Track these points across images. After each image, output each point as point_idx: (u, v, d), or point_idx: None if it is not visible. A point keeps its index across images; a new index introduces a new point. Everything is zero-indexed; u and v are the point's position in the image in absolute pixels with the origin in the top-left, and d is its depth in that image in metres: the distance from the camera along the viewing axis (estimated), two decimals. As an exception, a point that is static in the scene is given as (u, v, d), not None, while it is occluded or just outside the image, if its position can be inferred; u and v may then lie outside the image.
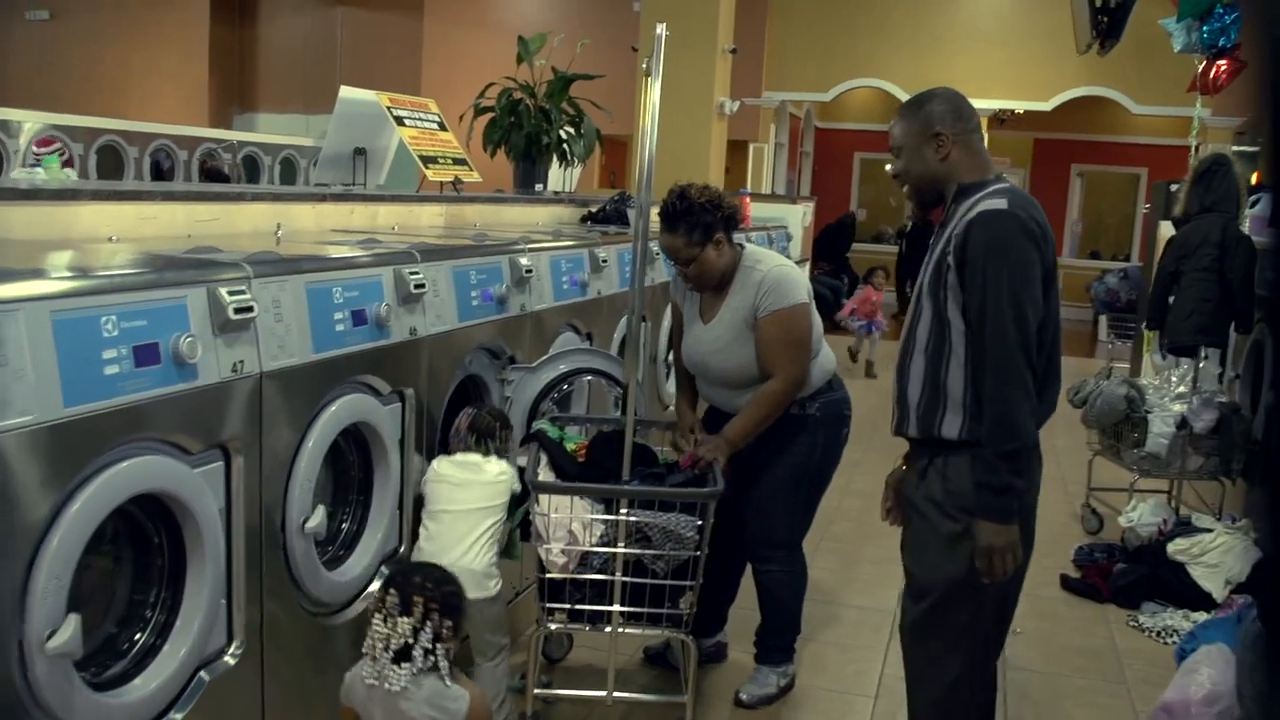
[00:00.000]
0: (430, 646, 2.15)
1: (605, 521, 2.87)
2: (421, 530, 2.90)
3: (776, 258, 3.31)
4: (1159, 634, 4.19)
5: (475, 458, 2.94)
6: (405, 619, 2.14)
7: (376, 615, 2.17)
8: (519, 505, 3.10)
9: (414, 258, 2.93)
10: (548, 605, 2.91)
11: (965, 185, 2.52)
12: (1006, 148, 15.28)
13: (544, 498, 2.84)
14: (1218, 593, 4.35)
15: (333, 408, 2.56)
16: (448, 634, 2.17)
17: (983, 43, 12.02)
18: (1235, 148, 12.38)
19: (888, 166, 2.75)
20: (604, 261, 4.24)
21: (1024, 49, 11.84)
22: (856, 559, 4.89)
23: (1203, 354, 4.99)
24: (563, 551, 2.86)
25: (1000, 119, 12.46)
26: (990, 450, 2.44)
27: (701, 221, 3.15)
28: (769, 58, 12.09)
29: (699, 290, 3.29)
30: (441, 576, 2.26)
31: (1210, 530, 4.55)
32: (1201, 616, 4.25)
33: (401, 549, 2.95)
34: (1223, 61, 7.74)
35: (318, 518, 2.49)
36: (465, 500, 2.87)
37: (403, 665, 2.13)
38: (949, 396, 2.53)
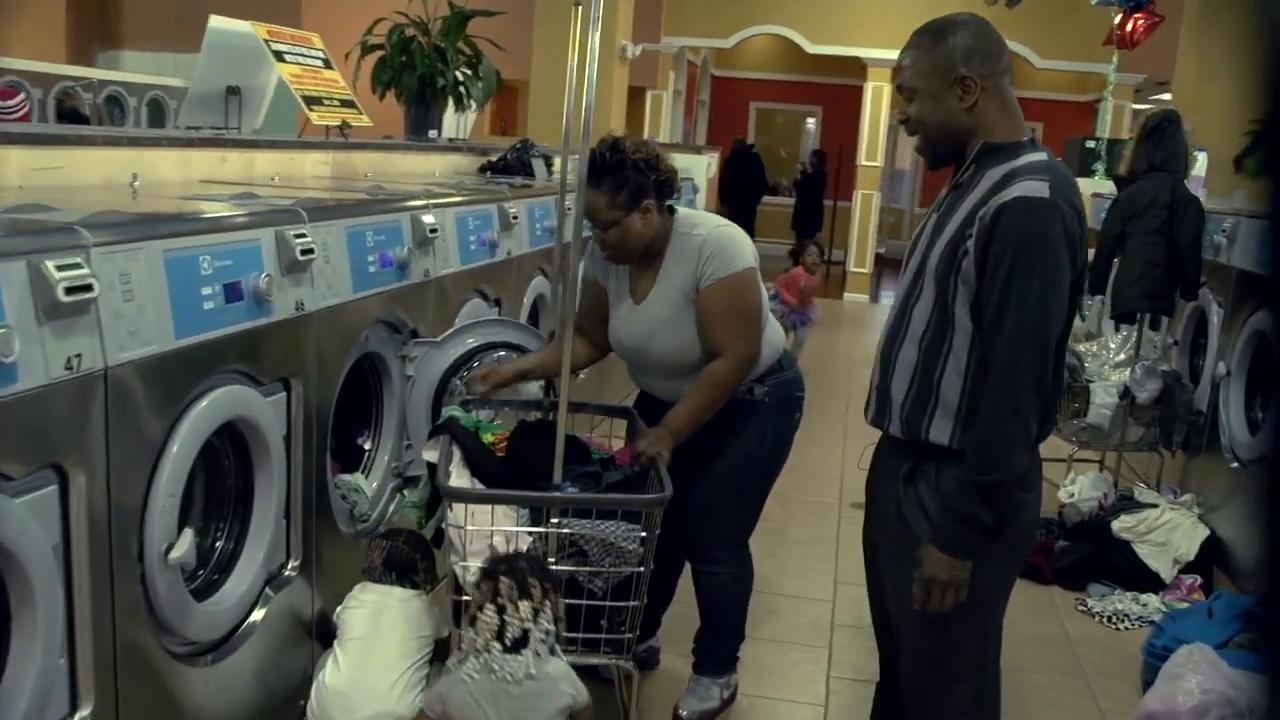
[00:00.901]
0: (552, 627, 2.14)
1: (533, 533, 2.44)
2: (329, 662, 2.45)
3: (715, 219, 2.88)
4: (1110, 619, 3.95)
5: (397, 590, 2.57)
6: (525, 602, 2.12)
7: (489, 606, 2.11)
8: (433, 512, 2.67)
9: (300, 217, 2.43)
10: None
11: (994, 145, 2.14)
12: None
13: (459, 507, 2.39)
14: (1165, 572, 4.14)
15: (201, 405, 2.06)
16: (562, 613, 2.19)
17: (886, -11, 11.72)
18: (1134, 105, 12.41)
19: (898, 113, 2.34)
20: (515, 218, 3.76)
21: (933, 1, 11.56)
22: (785, 540, 4.55)
23: (1146, 320, 4.76)
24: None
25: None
26: (969, 476, 2.09)
27: (632, 181, 2.68)
28: (669, 1, 11.58)
29: (616, 261, 2.84)
30: (536, 557, 2.30)
31: (1155, 506, 4.33)
32: (1152, 599, 4.04)
33: (289, 565, 2.48)
34: (1139, 15, 7.55)
35: (184, 545, 2.00)
36: (385, 630, 2.47)
37: (522, 652, 2.11)
38: (941, 399, 2.17)
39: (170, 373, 1.97)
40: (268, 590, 2.39)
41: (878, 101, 11.97)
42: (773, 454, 2.99)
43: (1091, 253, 4.85)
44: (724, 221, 2.86)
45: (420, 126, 5.47)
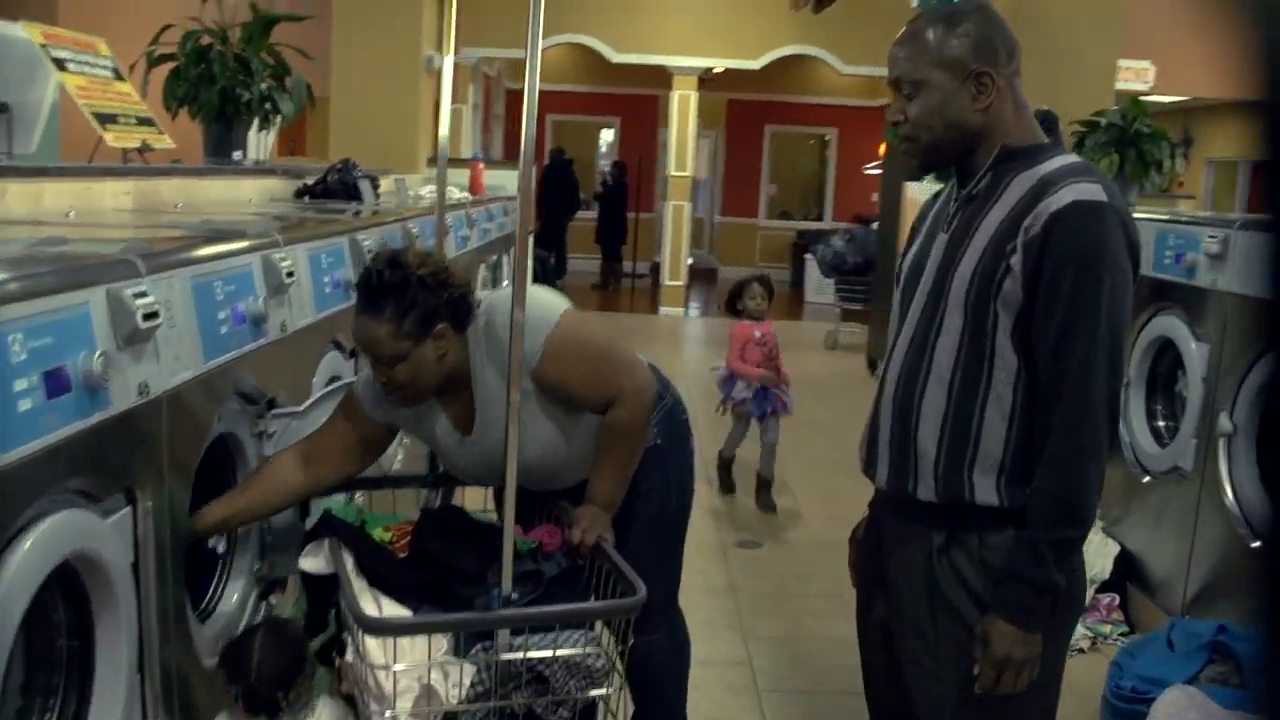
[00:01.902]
0: None
1: (480, 662, 1.90)
2: None
3: (500, 293, 2.34)
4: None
5: None
6: None
7: None
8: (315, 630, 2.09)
9: (135, 269, 1.81)
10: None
11: (1014, 149, 1.83)
12: (703, 109, 15.05)
13: (380, 644, 1.82)
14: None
15: (25, 547, 1.44)
16: None
17: (689, -1, 11.52)
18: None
19: (888, 113, 1.93)
20: (369, 252, 3.18)
21: (737, 5, 11.42)
22: (688, 588, 4.11)
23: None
24: (414, 716, 1.86)
25: (702, 79, 12.02)
26: (1041, 535, 1.75)
27: (420, 303, 2.11)
28: (465, 10, 11.00)
29: (406, 404, 2.26)
30: None
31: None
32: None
33: (145, 733, 1.85)
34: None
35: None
36: None
37: None
38: (981, 450, 1.82)
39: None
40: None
41: (684, 110, 11.75)
42: (681, 499, 2.58)
43: None
44: (499, 294, 2.31)
45: (222, 147, 4.76)
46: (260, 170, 4.63)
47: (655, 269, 14.08)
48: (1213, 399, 3.49)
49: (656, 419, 2.43)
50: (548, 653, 1.89)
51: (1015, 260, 1.75)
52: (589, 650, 1.92)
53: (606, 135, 16.86)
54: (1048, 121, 4.35)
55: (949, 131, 1.84)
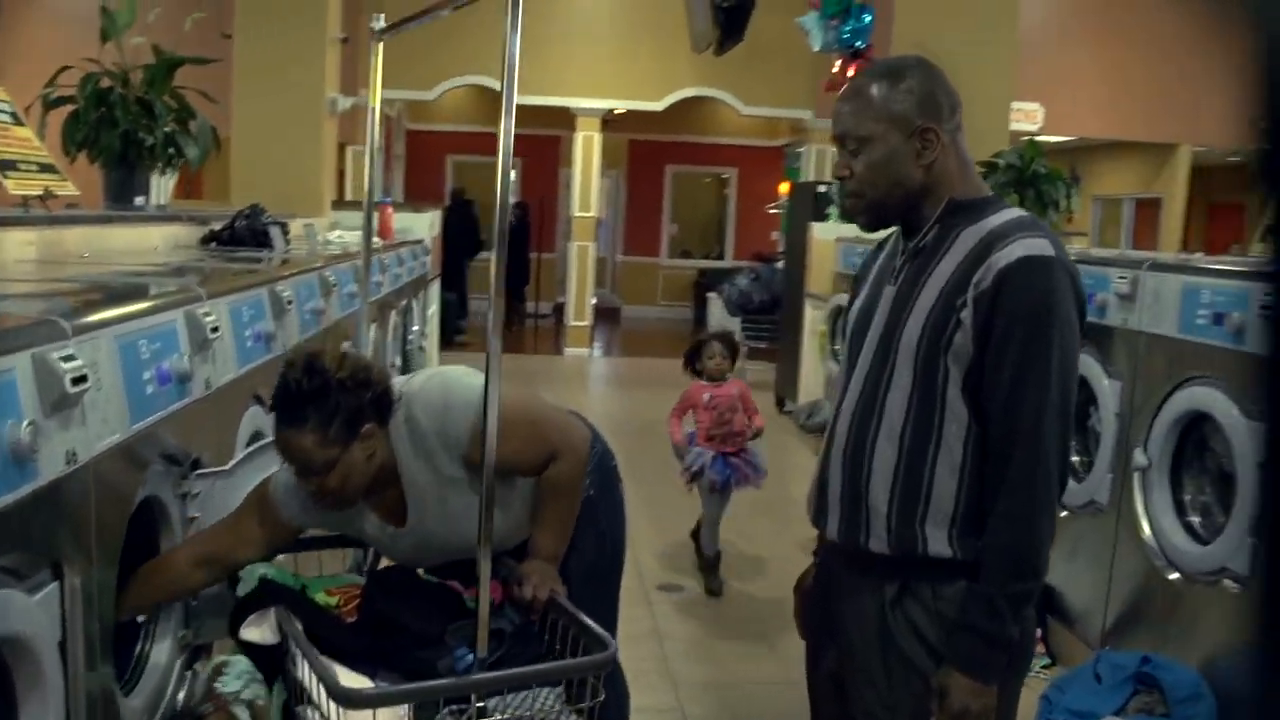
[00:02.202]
0: None
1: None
2: None
3: (415, 381, 2.25)
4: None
5: None
6: None
7: None
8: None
9: (62, 330, 1.72)
10: None
11: (960, 203, 1.84)
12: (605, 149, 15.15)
13: (355, 716, 1.75)
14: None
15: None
16: None
17: (596, 40, 11.57)
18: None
19: (832, 166, 1.93)
20: (289, 303, 3.09)
21: (639, 47, 11.53)
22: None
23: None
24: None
25: (605, 120, 12.09)
26: (996, 589, 1.75)
27: (343, 407, 2.05)
28: (363, 51, 10.90)
29: (340, 509, 2.20)
30: None
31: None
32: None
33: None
34: (859, 62, 7.69)
35: None
36: None
37: None
38: (933, 503, 1.82)
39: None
40: None
41: (588, 151, 11.80)
42: (615, 547, 2.56)
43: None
44: (415, 384, 2.22)
45: (123, 193, 4.60)
46: (165, 217, 4.49)
47: (559, 309, 14.05)
48: (1126, 434, 3.58)
49: (589, 468, 2.40)
50: (521, 714, 1.84)
51: (965, 315, 1.76)
52: (561, 708, 1.88)
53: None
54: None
55: (894, 188, 1.85)
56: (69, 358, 1.67)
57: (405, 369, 5.85)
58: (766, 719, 3.44)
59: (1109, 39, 11.74)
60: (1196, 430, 3.35)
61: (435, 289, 8.48)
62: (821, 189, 8.04)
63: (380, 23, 2.55)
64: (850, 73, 7.66)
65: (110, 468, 1.84)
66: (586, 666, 1.95)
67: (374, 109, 2.68)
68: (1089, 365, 3.85)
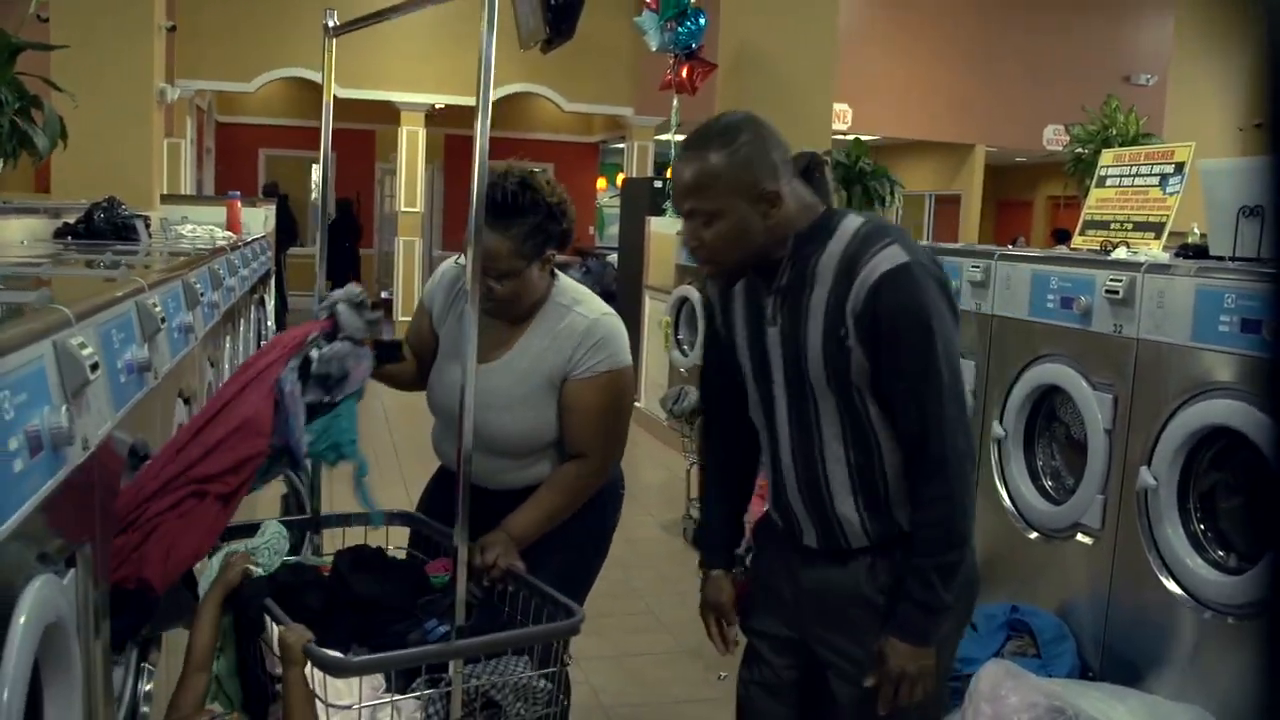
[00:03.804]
0: None
1: (425, 697, 1.92)
2: None
3: (598, 301, 2.49)
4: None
5: None
6: None
7: None
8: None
9: (67, 318, 1.73)
10: None
11: (803, 234, 1.96)
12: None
13: (342, 683, 1.82)
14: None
15: (21, 623, 1.37)
16: None
17: (416, 35, 11.49)
18: (660, 137, 13.17)
19: (678, 232, 2.08)
20: (202, 295, 3.07)
21: (460, 43, 11.51)
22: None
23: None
24: (374, 755, 1.87)
25: (429, 114, 12.05)
26: (926, 561, 1.94)
27: (543, 228, 2.32)
28: (180, 40, 10.50)
29: (497, 315, 2.39)
30: None
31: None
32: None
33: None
34: (693, 63, 7.96)
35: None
36: None
37: None
38: (893, 495, 2.01)
39: (-6, 580, 1.29)
40: None
41: (413, 146, 11.73)
42: (594, 561, 2.65)
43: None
44: (607, 308, 2.48)
45: (-36, 185, 4.41)
46: (21, 209, 4.31)
47: (386, 304, 13.88)
48: (982, 409, 3.92)
49: (602, 492, 2.52)
50: (497, 679, 1.94)
51: (852, 341, 1.90)
52: (535, 674, 1.99)
53: (318, 170, 16.47)
54: (816, 162, 4.73)
55: (746, 251, 1.96)
56: (82, 344, 1.69)
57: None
58: (668, 684, 3.62)
59: (912, 45, 12.47)
60: (1047, 402, 3.71)
61: (272, 285, 8.29)
62: (657, 184, 8.27)
63: (333, 20, 2.58)
64: (684, 73, 7.93)
65: (104, 455, 1.85)
66: (560, 630, 2.07)
67: (328, 104, 2.71)
68: (943, 347, 4.19)
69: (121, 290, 2.19)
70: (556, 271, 2.44)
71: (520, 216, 2.28)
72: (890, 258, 1.87)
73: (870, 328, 1.88)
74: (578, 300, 2.43)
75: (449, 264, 2.57)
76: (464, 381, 1.94)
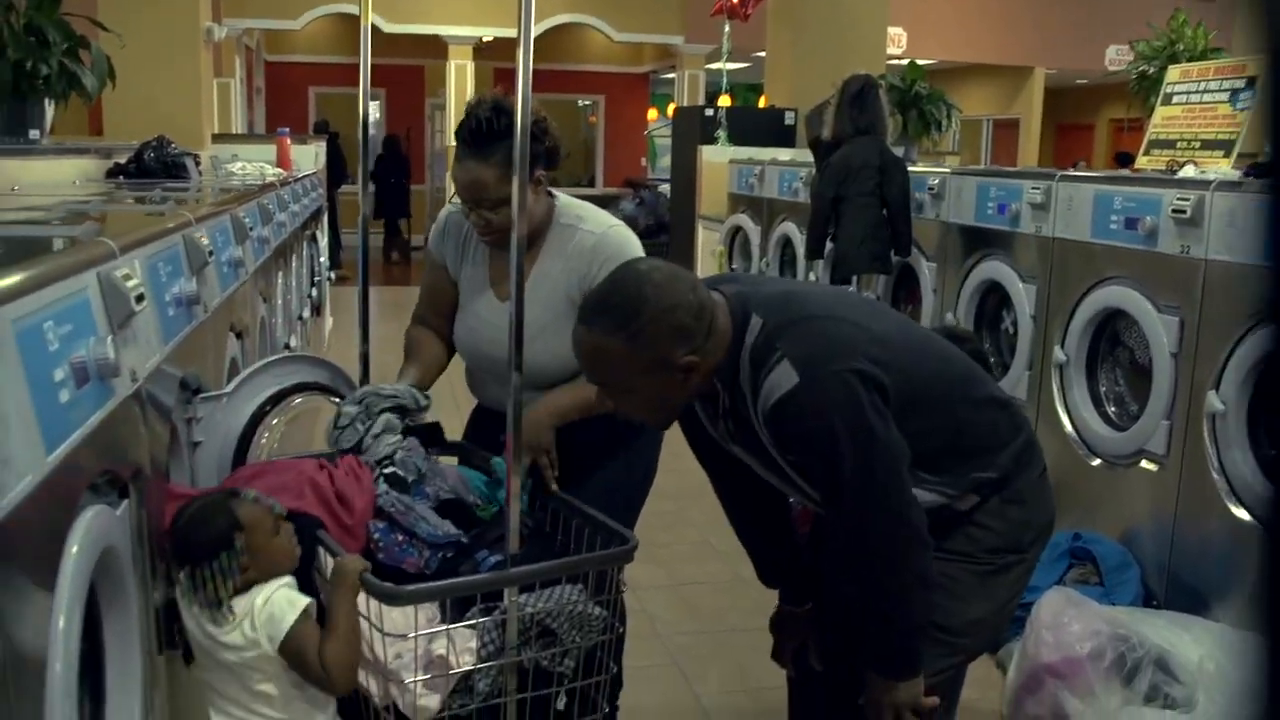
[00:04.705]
0: None
1: (482, 625, 1.92)
2: None
3: (603, 214, 2.44)
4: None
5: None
6: None
7: None
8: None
9: (112, 250, 1.72)
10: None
11: (724, 369, 1.84)
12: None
13: (394, 614, 1.82)
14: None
15: (74, 552, 1.37)
16: None
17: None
18: (710, 66, 12.97)
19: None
20: (251, 230, 3.07)
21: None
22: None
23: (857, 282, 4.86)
24: (429, 686, 1.87)
25: (477, 48, 11.93)
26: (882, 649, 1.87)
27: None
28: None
29: (501, 246, 2.34)
30: None
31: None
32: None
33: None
34: (744, -14, 7.79)
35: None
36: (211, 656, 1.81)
37: None
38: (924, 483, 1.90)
39: (42, 513, 1.28)
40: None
41: (462, 80, 11.66)
42: (645, 473, 2.62)
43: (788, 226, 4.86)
44: (614, 219, 2.44)
45: (16, 126, 4.42)
46: (72, 150, 4.33)
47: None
48: (1043, 334, 3.84)
49: None
50: (552, 606, 1.93)
51: (789, 458, 1.83)
52: (589, 601, 1.98)
53: (372, 107, 16.42)
54: (869, 86, 4.61)
55: (674, 409, 1.89)
56: (127, 276, 1.67)
57: (318, 301, 5.79)
58: (723, 613, 3.62)
59: (969, -37, 12.10)
60: (1110, 326, 3.61)
61: (325, 222, 8.32)
62: (709, 112, 8.15)
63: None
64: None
65: (154, 386, 1.85)
66: (614, 557, 2.05)
67: (365, 29, 2.67)
68: (1002, 271, 4.09)
69: (169, 224, 2.18)
70: (553, 192, 2.39)
71: (499, 141, 2.19)
72: (780, 383, 1.73)
73: (779, 443, 1.81)
74: (582, 217, 2.37)
75: (449, 209, 2.52)
76: (513, 307, 1.90)
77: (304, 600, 1.77)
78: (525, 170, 1.90)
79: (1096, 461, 3.57)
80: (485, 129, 2.21)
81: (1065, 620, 2.91)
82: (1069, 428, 3.69)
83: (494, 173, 2.21)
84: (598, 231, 2.34)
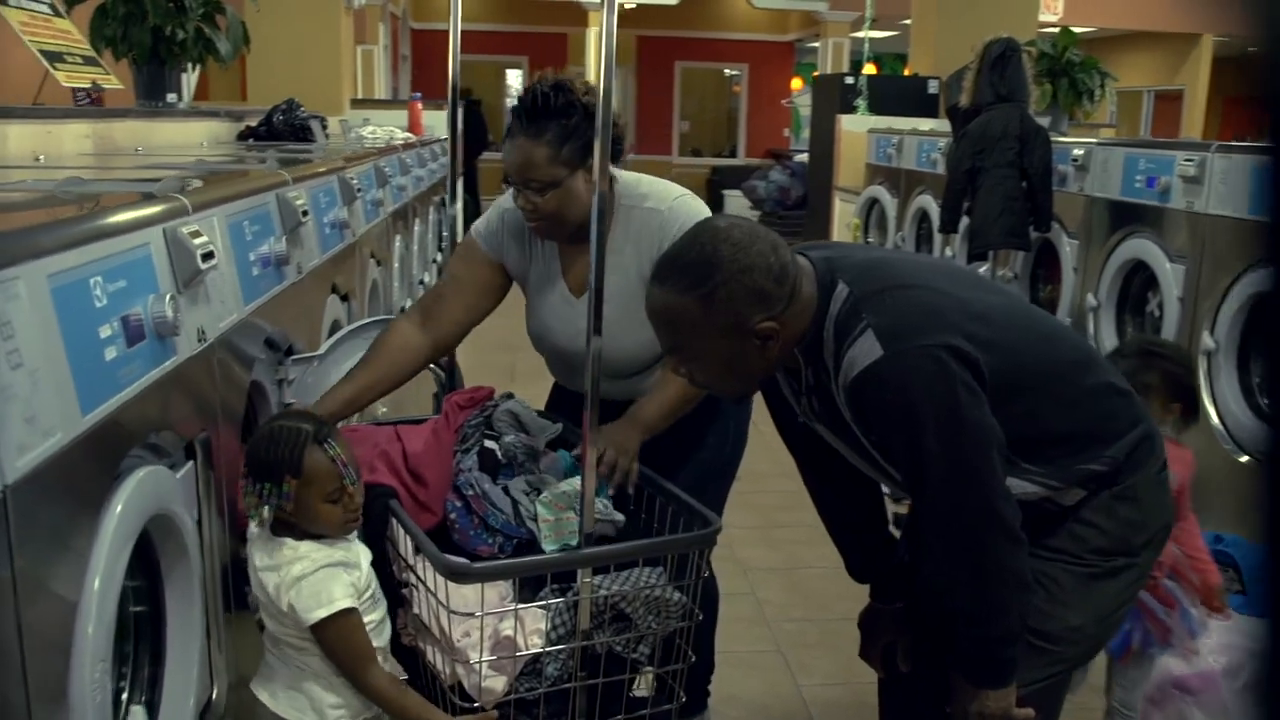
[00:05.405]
0: None
1: (553, 606, 1.84)
2: None
3: (668, 187, 2.27)
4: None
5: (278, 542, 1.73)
6: None
7: None
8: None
9: (183, 207, 1.68)
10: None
11: (809, 341, 1.69)
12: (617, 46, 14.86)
13: (464, 591, 1.76)
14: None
15: (116, 512, 1.34)
16: None
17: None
18: (855, 34, 12.64)
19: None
20: (359, 191, 3.05)
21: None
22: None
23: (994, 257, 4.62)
24: (495, 667, 1.80)
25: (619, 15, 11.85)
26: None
27: (580, 131, 2.07)
28: (372, -55, 10.62)
29: (545, 235, 2.23)
30: None
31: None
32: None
33: (214, 695, 1.76)
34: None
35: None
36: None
37: None
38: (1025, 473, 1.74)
39: (77, 473, 1.25)
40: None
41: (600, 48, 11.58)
42: (732, 457, 2.50)
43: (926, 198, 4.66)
44: (680, 190, 2.28)
45: (155, 89, 4.52)
46: (203, 113, 4.42)
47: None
48: (1191, 318, 3.56)
49: None
50: (627, 590, 1.84)
51: (871, 438, 1.71)
52: (668, 586, 1.89)
53: (513, 75, 16.54)
54: (1011, 50, 4.35)
55: (744, 381, 1.77)
56: (195, 233, 1.64)
57: (444, 266, 5.80)
58: (834, 601, 3.48)
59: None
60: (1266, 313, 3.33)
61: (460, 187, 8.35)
62: (849, 80, 7.90)
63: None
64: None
65: (231, 348, 1.83)
66: (693, 541, 1.94)
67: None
68: (1149, 250, 3.82)
69: (255, 184, 2.15)
70: (614, 172, 2.22)
71: (554, 119, 2.06)
72: (863, 355, 1.60)
73: (861, 420, 1.68)
74: (644, 194, 2.22)
75: (504, 202, 2.29)
76: (591, 284, 1.80)
77: (343, 602, 1.67)
78: (606, 157, 1.81)
79: (1244, 458, 3.30)
80: (541, 104, 2.07)
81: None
82: (1215, 420, 3.42)
83: (545, 151, 2.07)
84: (663, 207, 2.20)
